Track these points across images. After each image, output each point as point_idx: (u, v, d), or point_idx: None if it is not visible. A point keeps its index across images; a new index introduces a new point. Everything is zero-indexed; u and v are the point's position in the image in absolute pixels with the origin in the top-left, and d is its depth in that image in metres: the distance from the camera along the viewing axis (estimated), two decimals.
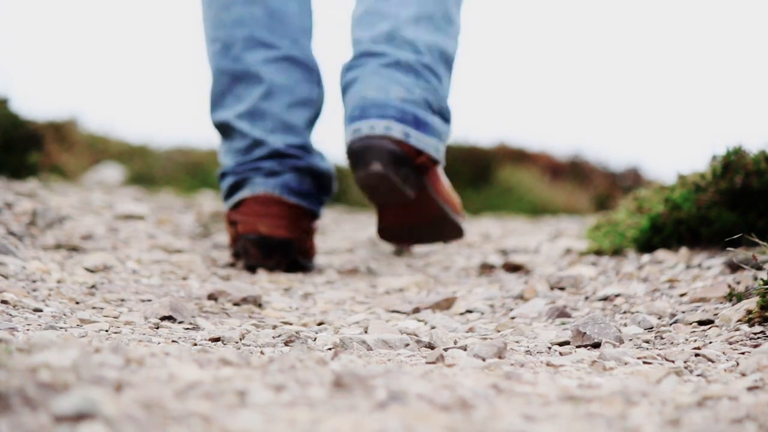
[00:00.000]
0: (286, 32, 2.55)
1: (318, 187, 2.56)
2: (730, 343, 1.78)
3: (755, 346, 1.74)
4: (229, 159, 2.57)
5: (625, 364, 1.64)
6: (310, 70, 2.57)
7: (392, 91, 2.42)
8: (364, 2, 2.52)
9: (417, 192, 2.45)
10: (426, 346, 1.78)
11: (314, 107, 2.58)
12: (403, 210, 2.50)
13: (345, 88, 2.48)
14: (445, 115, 2.49)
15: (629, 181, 6.37)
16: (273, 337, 1.84)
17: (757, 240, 1.99)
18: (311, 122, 2.58)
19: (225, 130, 2.58)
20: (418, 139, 2.41)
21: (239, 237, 2.50)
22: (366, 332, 1.92)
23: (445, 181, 2.55)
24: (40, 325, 1.80)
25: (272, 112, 2.54)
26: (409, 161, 2.40)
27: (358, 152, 2.38)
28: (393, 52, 2.44)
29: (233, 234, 2.53)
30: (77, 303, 2.02)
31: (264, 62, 2.54)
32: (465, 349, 1.73)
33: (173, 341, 1.78)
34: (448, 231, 2.58)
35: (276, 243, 2.48)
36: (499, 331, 1.96)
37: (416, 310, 2.15)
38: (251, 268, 2.49)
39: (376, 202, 2.48)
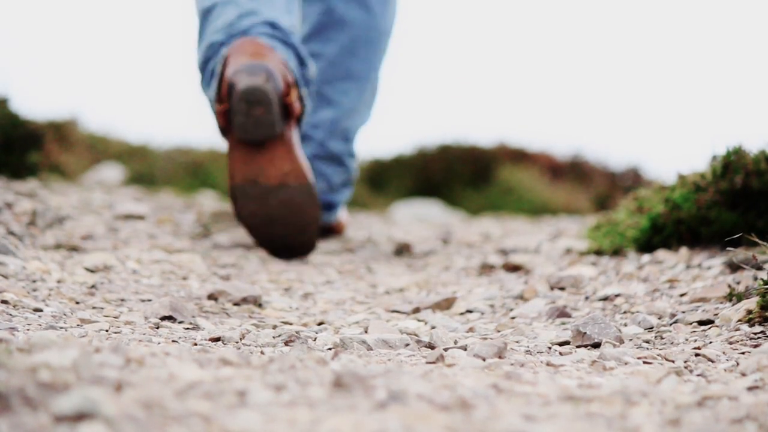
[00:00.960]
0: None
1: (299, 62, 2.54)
2: (730, 343, 1.78)
3: (755, 346, 1.74)
4: (209, 38, 2.50)
5: (625, 364, 1.64)
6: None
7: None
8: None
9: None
10: (426, 346, 1.78)
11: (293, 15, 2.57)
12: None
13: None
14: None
15: (629, 181, 6.37)
16: (273, 337, 1.84)
17: (757, 240, 1.99)
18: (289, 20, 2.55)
19: (210, 9, 2.53)
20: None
21: (228, 82, 2.39)
22: (366, 332, 1.92)
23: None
24: (40, 325, 1.80)
25: (263, 8, 2.52)
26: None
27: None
28: None
29: (222, 92, 2.42)
30: (77, 303, 2.02)
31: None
32: (465, 349, 1.73)
33: (173, 341, 1.78)
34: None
35: (262, 67, 2.38)
36: (499, 331, 1.96)
37: (416, 310, 2.15)
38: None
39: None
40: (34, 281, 2.10)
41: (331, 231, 2.98)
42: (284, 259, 2.58)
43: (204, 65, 2.53)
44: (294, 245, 2.57)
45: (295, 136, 2.46)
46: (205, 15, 2.56)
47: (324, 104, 2.80)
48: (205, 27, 2.55)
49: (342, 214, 3.04)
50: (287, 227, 2.52)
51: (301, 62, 2.53)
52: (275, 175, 2.44)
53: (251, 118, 2.38)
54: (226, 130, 2.46)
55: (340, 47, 2.80)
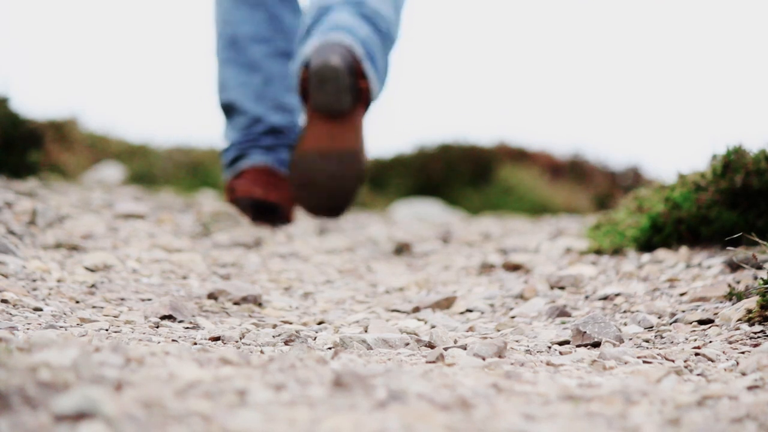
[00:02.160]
0: (282, 32, 3.04)
1: None
2: (730, 343, 1.78)
3: (755, 346, 1.74)
4: (232, 134, 3.05)
5: (625, 363, 1.64)
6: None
7: (359, 29, 2.77)
8: None
9: (349, 110, 2.73)
10: (426, 346, 1.78)
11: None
12: (328, 130, 2.74)
13: (317, 17, 2.81)
14: (384, 74, 2.86)
15: (629, 180, 6.37)
16: (273, 337, 1.84)
17: (757, 239, 1.99)
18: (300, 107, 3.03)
19: (230, 109, 3.05)
20: (367, 68, 2.76)
21: (236, 200, 2.99)
22: (366, 331, 1.92)
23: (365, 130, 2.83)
24: (40, 324, 1.80)
25: (270, 95, 3.02)
26: (355, 76, 2.73)
27: (321, 49, 2.70)
28: (359, 7, 2.83)
29: (231, 199, 3.02)
30: (77, 302, 2.02)
31: (263, 56, 3.02)
32: (465, 349, 1.73)
33: (173, 340, 1.78)
34: (354, 171, 2.78)
35: (267, 205, 2.97)
36: (499, 331, 1.96)
37: (416, 310, 2.15)
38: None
39: (319, 101, 2.71)
40: (34, 280, 2.10)
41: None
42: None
43: (225, 163, 3.10)
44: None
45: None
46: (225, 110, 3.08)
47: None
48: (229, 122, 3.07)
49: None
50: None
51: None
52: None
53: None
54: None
55: None
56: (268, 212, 2.97)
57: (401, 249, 2.86)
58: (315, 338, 1.85)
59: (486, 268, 2.51)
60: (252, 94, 3.02)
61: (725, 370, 1.59)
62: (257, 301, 2.14)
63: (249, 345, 1.78)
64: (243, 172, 3.00)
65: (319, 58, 2.68)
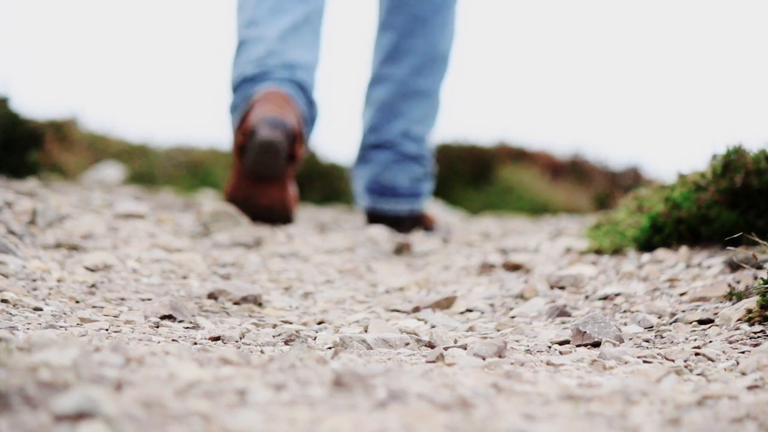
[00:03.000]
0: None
1: (309, 113, 3.12)
2: (730, 342, 1.78)
3: (755, 345, 1.74)
4: (243, 67, 3.08)
5: (625, 363, 1.64)
6: (317, 33, 3.17)
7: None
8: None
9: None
10: (426, 345, 1.78)
11: (313, 66, 3.15)
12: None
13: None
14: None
15: (629, 180, 6.37)
16: (273, 336, 1.84)
17: (757, 239, 1.99)
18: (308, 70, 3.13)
19: (245, 42, 3.11)
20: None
21: (250, 131, 2.93)
22: (366, 331, 1.92)
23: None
24: (40, 324, 1.80)
25: (294, 38, 3.10)
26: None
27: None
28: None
29: (243, 135, 2.97)
30: (77, 302, 2.02)
31: (281, 28, 3.10)
32: (465, 348, 1.73)
33: (173, 340, 1.78)
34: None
35: (281, 123, 2.93)
36: (499, 330, 1.96)
37: (416, 309, 2.15)
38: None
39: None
40: (34, 280, 2.10)
41: (421, 222, 3.45)
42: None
43: (235, 90, 3.10)
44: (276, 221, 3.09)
45: (291, 173, 3.05)
46: (240, 46, 3.12)
47: (398, 117, 3.41)
48: (239, 55, 3.12)
49: (427, 207, 3.56)
50: (272, 219, 3.06)
51: (311, 104, 3.10)
52: (265, 202, 3.02)
53: (262, 162, 2.94)
54: (238, 155, 3.02)
55: (407, 70, 3.40)
56: (283, 129, 2.93)
57: (401, 249, 2.86)
58: (315, 338, 1.85)
59: (486, 268, 2.51)
60: (276, 32, 3.09)
61: (725, 369, 1.59)
62: (257, 301, 2.14)
63: (249, 345, 1.78)
64: (255, 100, 2.99)
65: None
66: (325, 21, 3.22)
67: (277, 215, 3.04)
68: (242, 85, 3.08)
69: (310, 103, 3.11)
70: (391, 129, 3.41)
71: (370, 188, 3.42)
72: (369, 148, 3.43)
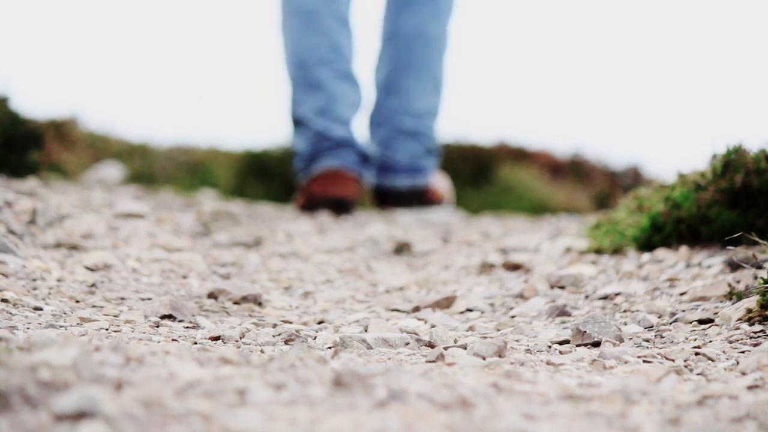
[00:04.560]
0: (342, 55, 3.56)
1: (363, 161, 3.60)
2: (730, 342, 1.78)
3: (755, 345, 1.74)
4: (302, 144, 3.58)
5: (625, 362, 1.64)
6: (355, 82, 3.60)
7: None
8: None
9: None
10: (426, 345, 1.78)
11: (357, 108, 3.63)
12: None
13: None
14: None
15: (629, 179, 6.36)
16: (273, 336, 1.84)
17: (757, 239, 1.99)
18: (354, 118, 3.61)
19: (299, 122, 3.58)
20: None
21: (314, 199, 3.48)
22: (366, 331, 1.92)
23: None
24: (40, 323, 1.80)
25: (334, 113, 3.55)
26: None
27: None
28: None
29: (306, 198, 3.50)
30: (77, 301, 2.02)
31: (327, 77, 3.54)
32: (465, 348, 1.73)
33: (173, 340, 1.78)
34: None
35: (347, 200, 3.50)
36: (499, 330, 1.96)
37: (416, 309, 2.15)
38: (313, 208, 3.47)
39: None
40: (34, 280, 2.10)
41: (426, 196, 3.72)
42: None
43: (298, 157, 3.63)
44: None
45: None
46: (296, 122, 3.63)
47: (395, 93, 3.63)
48: (297, 96, 3.59)
49: (437, 181, 3.79)
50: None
51: (365, 159, 3.60)
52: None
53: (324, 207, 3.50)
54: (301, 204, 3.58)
55: (403, 48, 3.62)
56: (342, 206, 3.47)
57: (401, 248, 2.85)
58: (315, 338, 1.85)
59: (486, 267, 2.51)
60: (317, 110, 3.55)
61: (725, 369, 1.59)
62: (257, 301, 2.14)
63: (249, 344, 1.78)
64: (317, 176, 3.51)
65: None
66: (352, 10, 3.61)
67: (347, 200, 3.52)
68: (303, 154, 3.59)
69: (364, 158, 3.60)
70: (388, 105, 3.64)
71: (375, 165, 3.68)
72: (371, 126, 3.70)
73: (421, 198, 3.69)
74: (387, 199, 3.70)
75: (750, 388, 1.41)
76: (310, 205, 3.49)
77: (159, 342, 1.73)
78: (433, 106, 3.68)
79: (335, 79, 3.54)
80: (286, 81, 3.62)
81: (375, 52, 3.73)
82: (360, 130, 3.69)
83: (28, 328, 1.75)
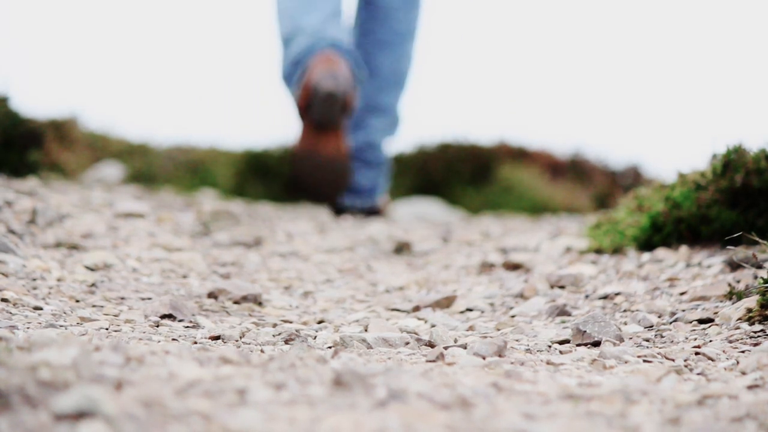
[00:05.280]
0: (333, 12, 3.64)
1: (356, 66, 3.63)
2: (730, 342, 1.78)
3: (755, 345, 1.74)
4: (295, 52, 3.59)
5: (625, 362, 1.64)
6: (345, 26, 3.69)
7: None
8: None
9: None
10: (426, 345, 1.79)
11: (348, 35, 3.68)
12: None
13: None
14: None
15: (629, 179, 6.36)
16: (273, 336, 1.84)
17: (757, 239, 1.99)
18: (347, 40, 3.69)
19: (291, 36, 3.63)
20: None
21: (312, 87, 3.45)
22: (366, 330, 1.92)
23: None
24: (40, 323, 1.80)
25: (327, 32, 3.61)
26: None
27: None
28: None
29: (306, 90, 3.48)
30: (77, 301, 2.02)
31: (318, 19, 3.59)
32: (465, 348, 1.73)
33: (173, 339, 1.78)
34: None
35: (338, 76, 3.45)
36: (499, 330, 1.96)
37: (416, 309, 2.15)
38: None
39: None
40: (34, 279, 2.10)
41: (376, 214, 3.98)
42: (318, 203, 3.76)
43: (290, 68, 3.60)
44: (327, 196, 3.70)
45: (346, 125, 3.61)
46: (287, 41, 3.64)
47: (362, 129, 3.90)
48: (288, 47, 3.63)
49: (382, 201, 4.06)
50: (327, 185, 3.62)
51: (358, 66, 3.60)
52: (328, 151, 3.55)
53: (325, 111, 3.47)
54: (302, 115, 3.56)
55: (372, 88, 3.86)
56: (340, 100, 3.46)
57: (401, 248, 2.86)
58: (315, 337, 1.85)
59: (486, 267, 2.51)
60: (311, 27, 3.60)
61: (725, 369, 1.59)
62: (257, 300, 2.14)
63: (249, 344, 1.78)
64: (311, 64, 3.51)
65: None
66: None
67: (338, 166, 3.57)
68: (297, 58, 3.58)
69: (357, 64, 3.62)
70: (356, 139, 3.92)
71: None
72: None
73: (368, 213, 3.98)
74: (340, 211, 3.94)
75: (750, 387, 1.41)
76: (307, 103, 3.50)
77: (159, 342, 1.73)
78: (390, 138, 4.04)
79: (326, 18, 3.65)
80: (278, 44, 3.72)
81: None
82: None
83: (28, 328, 1.75)
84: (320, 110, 3.48)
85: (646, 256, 2.32)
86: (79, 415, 1.04)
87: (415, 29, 3.98)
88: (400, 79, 3.96)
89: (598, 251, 2.45)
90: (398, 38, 3.94)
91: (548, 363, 1.63)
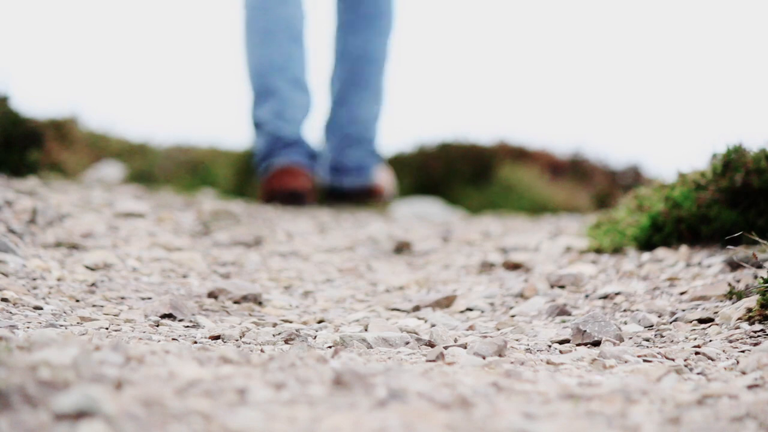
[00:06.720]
0: (294, 65, 4.02)
1: (312, 158, 4.01)
2: (730, 342, 1.78)
3: (755, 344, 1.74)
4: (260, 145, 3.99)
5: (625, 362, 1.64)
6: (306, 90, 4.03)
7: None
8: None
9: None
10: (426, 344, 1.78)
11: (308, 111, 4.05)
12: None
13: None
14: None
15: (629, 179, 6.36)
16: (273, 335, 1.84)
17: (757, 238, 1.99)
18: (305, 121, 4.05)
19: (258, 125, 4.01)
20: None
21: (274, 191, 3.85)
22: (366, 330, 1.92)
23: None
24: (40, 323, 1.80)
25: (286, 115, 4.00)
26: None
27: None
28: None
29: (269, 191, 3.87)
30: (77, 301, 2.02)
31: (281, 84, 3.99)
32: (465, 347, 1.73)
33: (173, 339, 1.78)
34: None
35: (300, 192, 3.86)
36: (499, 329, 1.96)
37: (416, 308, 2.15)
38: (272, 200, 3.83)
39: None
40: (34, 279, 2.10)
41: (370, 192, 4.23)
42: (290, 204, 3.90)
43: (258, 150, 4.02)
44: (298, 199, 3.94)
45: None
46: (258, 95, 4.04)
47: (343, 106, 4.19)
48: (259, 107, 4.03)
49: (380, 177, 4.29)
50: (295, 199, 3.91)
51: (314, 157, 4.00)
52: (294, 186, 3.92)
53: (286, 203, 3.83)
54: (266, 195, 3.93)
55: (349, 69, 4.22)
56: (296, 197, 3.86)
57: (401, 248, 2.85)
58: (315, 337, 1.85)
59: (486, 266, 2.51)
60: (272, 113, 3.98)
61: (725, 368, 1.59)
62: (257, 300, 2.14)
63: (249, 344, 1.78)
64: (273, 172, 3.90)
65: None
66: (307, 27, 4.09)
67: (303, 193, 3.89)
68: (262, 153, 3.98)
69: (312, 155, 4.01)
70: (340, 116, 4.20)
71: (329, 167, 4.18)
72: (326, 133, 4.23)
73: (366, 194, 4.23)
74: (338, 195, 4.19)
75: (750, 387, 1.41)
76: (269, 198, 3.89)
77: (159, 341, 1.73)
78: (375, 114, 4.26)
79: (288, 87, 4.02)
80: (247, 90, 4.09)
81: (329, 69, 4.28)
82: (312, 132, 4.18)
83: (28, 328, 1.75)
84: (282, 202, 3.88)
85: (646, 255, 2.32)
86: (79, 415, 1.04)
87: (391, 7, 4.20)
88: (380, 54, 4.19)
89: (598, 251, 2.45)
90: (377, 16, 4.18)
91: (548, 363, 1.63)
